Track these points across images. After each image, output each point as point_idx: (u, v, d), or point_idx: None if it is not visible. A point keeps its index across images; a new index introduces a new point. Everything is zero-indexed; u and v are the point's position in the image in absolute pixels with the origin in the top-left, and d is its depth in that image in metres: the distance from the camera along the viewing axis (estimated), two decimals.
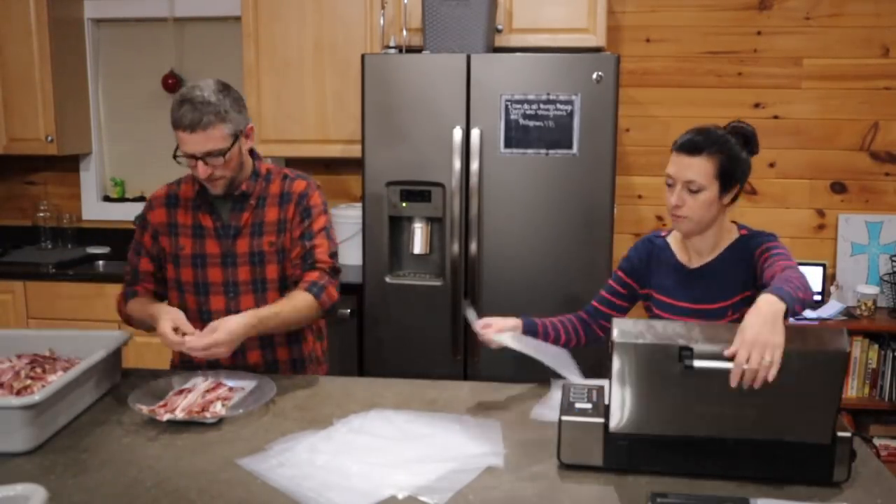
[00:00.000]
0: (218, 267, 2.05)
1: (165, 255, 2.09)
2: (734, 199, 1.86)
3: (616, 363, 1.46)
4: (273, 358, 2.11)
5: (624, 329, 1.48)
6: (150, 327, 2.01)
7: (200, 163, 1.92)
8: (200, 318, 2.05)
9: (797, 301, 1.51)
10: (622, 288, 2.03)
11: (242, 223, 2.06)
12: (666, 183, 1.86)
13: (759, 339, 1.41)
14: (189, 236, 2.06)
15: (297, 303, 1.98)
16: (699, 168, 1.79)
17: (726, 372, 1.42)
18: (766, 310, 1.46)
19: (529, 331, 1.99)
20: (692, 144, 1.80)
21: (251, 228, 2.06)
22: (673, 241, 1.99)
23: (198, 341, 1.80)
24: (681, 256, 1.95)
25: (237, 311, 1.99)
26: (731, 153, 1.81)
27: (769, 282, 1.65)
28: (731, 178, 1.82)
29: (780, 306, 1.47)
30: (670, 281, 1.95)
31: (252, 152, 2.08)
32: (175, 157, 1.96)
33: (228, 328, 1.82)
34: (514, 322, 1.98)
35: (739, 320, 1.84)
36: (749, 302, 1.82)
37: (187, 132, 1.88)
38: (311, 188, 2.10)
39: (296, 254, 2.07)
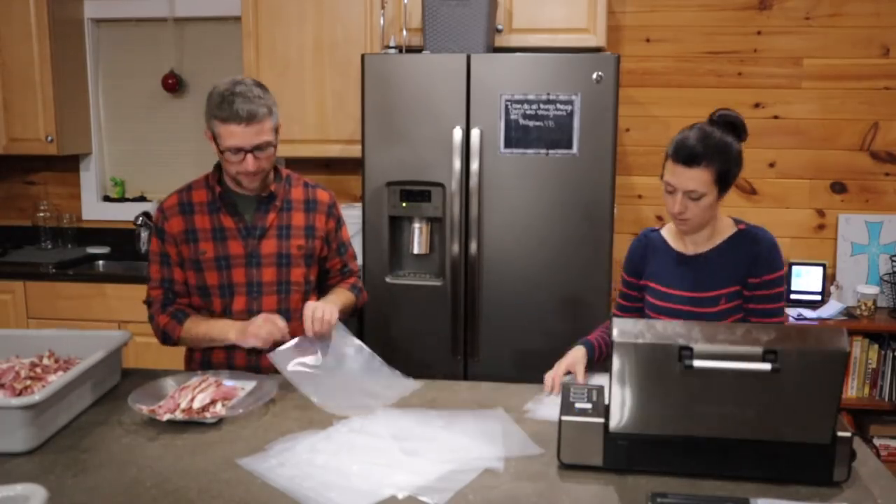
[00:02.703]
0: (242, 267, 2.06)
1: (187, 263, 2.08)
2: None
3: (616, 363, 1.46)
4: None
5: (624, 329, 1.47)
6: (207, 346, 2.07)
7: (250, 156, 1.93)
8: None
9: None
10: (632, 290, 2.09)
11: (268, 224, 2.07)
12: (665, 189, 1.87)
13: None
14: (210, 240, 2.05)
15: (346, 299, 2.15)
16: (699, 178, 1.81)
17: (726, 372, 1.42)
18: None
19: (590, 354, 2.03)
20: (690, 156, 1.80)
21: (277, 230, 2.08)
22: (667, 233, 2.04)
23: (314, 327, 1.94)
24: (676, 245, 2.00)
25: (259, 312, 2.04)
26: (727, 156, 1.83)
27: None
28: (729, 178, 1.85)
29: None
30: (665, 269, 1.99)
31: None
32: (221, 152, 1.96)
33: (316, 302, 2.00)
34: (580, 353, 2.01)
35: (732, 310, 1.89)
36: (740, 293, 1.87)
37: (241, 125, 1.89)
38: (334, 199, 2.22)
39: (335, 264, 2.21)
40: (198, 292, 2.08)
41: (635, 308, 2.09)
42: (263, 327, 1.94)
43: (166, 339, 2.08)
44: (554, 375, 1.94)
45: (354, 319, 3.06)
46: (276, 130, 2.00)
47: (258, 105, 1.91)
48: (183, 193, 2.10)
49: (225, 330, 2.00)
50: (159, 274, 2.09)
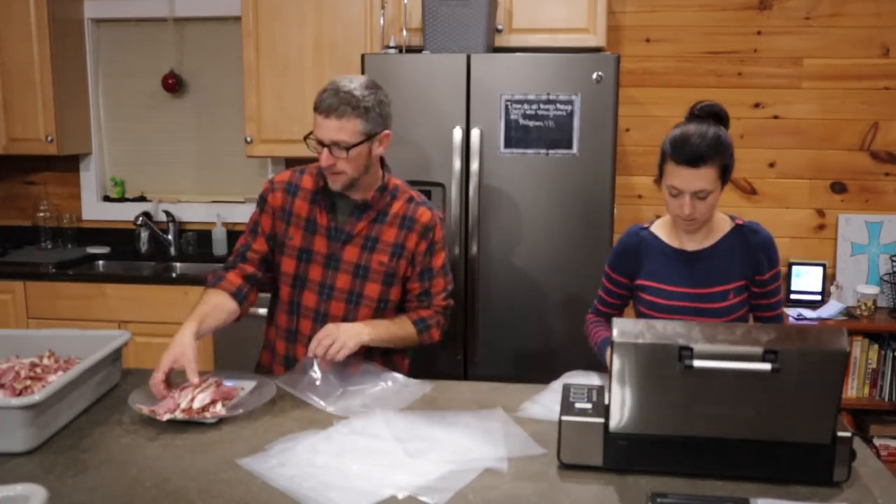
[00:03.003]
0: (320, 266, 2.03)
1: (274, 238, 2.07)
2: None
3: (616, 363, 1.46)
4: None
5: (624, 329, 1.47)
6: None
7: (326, 150, 1.89)
8: (290, 311, 2.07)
9: None
10: (620, 289, 2.05)
11: (357, 231, 2.02)
12: (669, 193, 1.85)
13: None
14: (301, 228, 2.03)
15: (402, 332, 2.04)
16: (706, 177, 1.79)
17: (726, 372, 1.42)
18: None
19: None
20: (696, 156, 1.77)
21: (364, 240, 2.02)
22: (659, 230, 2.00)
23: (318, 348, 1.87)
24: (673, 243, 1.97)
25: (326, 313, 2.03)
26: (727, 149, 1.82)
27: None
28: (730, 170, 1.85)
29: None
30: (664, 267, 1.96)
31: (383, 164, 2.05)
32: (306, 139, 1.95)
33: (343, 326, 1.92)
34: None
35: (740, 304, 1.89)
36: (747, 288, 1.88)
37: (322, 116, 1.87)
38: (436, 220, 2.07)
39: (414, 289, 2.08)
40: (276, 272, 2.08)
41: (616, 307, 2.06)
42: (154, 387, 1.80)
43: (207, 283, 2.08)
44: None
45: None
46: (370, 136, 1.90)
47: (344, 101, 1.86)
48: (295, 174, 2.08)
49: (184, 326, 1.93)
50: (245, 240, 2.09)
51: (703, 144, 1.78)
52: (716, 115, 1.87)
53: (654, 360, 1.45)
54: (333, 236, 2.02)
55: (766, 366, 1.41)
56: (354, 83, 1.89)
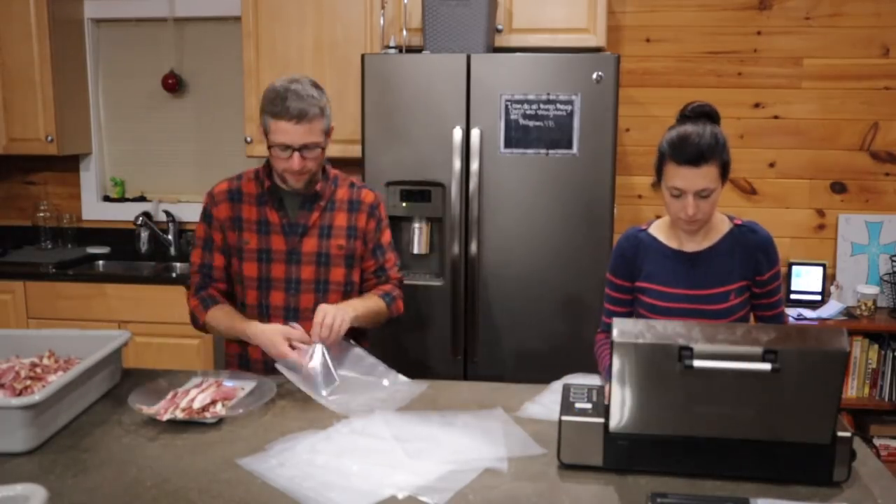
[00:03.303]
0: (282, 263, 2.07)
1: (230, 250, 2.10)
2: None
3: (616, 363, 1.46)
4: None
5: (624, 329, 1.47)
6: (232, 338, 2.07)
7: (297, 154, 1.94)
8: (259, 314, 2.09)
9: None
10: (624, 294, 2.02)
11: (311, 223, 2.08)
12: (671, 194, 1.83)
13: None
14: (254, 231, 2.07)
15: (375, 307, 2.10)
16: (709, 175, 1.78)
17: (726, 372, 1.43)
18: None
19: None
20: (698, 155, 1.77)
21: (319, 229, 2.09)
22: (657, 231, 1.99)
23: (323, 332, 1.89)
24: (671, 244, 1.96)
25: (297, 308, 2.07)
26: (725, 146, 1.82)
27: None
28: (728, 167, 1.84)
29: None
30: (664, 268, 1.95)
31: None
32: (269, 147, 1.97)
33: (332, 306, 1.94)
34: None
35: (741, 304, 1.89)
36: (748, 288, 1.87)
37: (292, 122, 1.91)
38: (379, 199, 2.19)
39: (369, 266, 2.16)
40: (238, 281, 2.11)
41: (625, 314, 2.02)
42: (275, 349, 1.90)
43: (194, 321, 2.12)
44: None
45: None
46: (328, 133, 2.01)
47: (310, 104, 1.92)
48: (233, 181, 2.13)
49: (247, 331, 1.97)
50: (200, 259, 2.12)
51: (703, 143, 1.77)
52: (707, 115, 1.86)
53: (653, 361, 1.45)
54: (289, 231, 2.07)
55: (766, 366, 1.42)
56: (305, 84, 1.95)
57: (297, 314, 2.07)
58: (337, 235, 2.10)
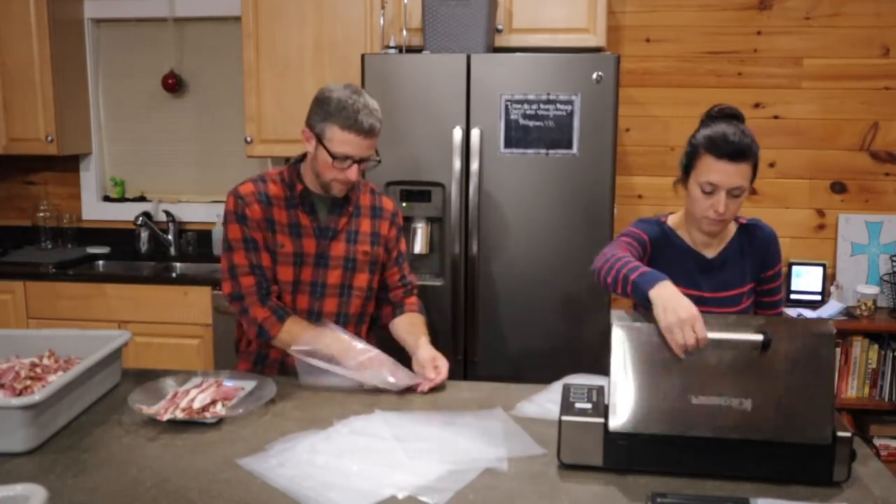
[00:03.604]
0: (311, 267, 2.07)
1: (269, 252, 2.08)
2: None
3: (616, 349, 1.50)
4: None
5: (622, 315, 1.54)
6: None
7: (355, 166, 1.97)
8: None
9: None
10: (637, 248, 1.88)
11: (340, 227, 2.09)
12: (702, 190, 1.79)
13: None
14: (287, 234, 2.05)
15: (425, 326, 2.18)
16: (745, 173, 1.77)
17: (723, 346, 1.48)
18: None
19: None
20: (738, 151, 1.74)
21: (347, 234, 2.10)
22: (678, 228, 1.96)
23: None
24: (693, 246, 1.94)
25: (320, 311, 2.08)
26: (758, 148, 1.80)
27: None
28: (757, 169, 1.82)
29: None
30: (684, 269, 1.90)
31: None
32: (333, 157, 1.94)
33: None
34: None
35: (751, 307, 1.90)
36: (754, 289, 1.88)
37: (361, 136, 1.93)
38: (398, 208, 2.24)
39: (393, 275, 2.20)
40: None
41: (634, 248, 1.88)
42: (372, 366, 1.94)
43: (261, 333, 2.01)
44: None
45: None
46: None
47: (377, 119, 1.96)
48: (258, 183, 2.07)
49: (335, 348, 1.95)
50: (247, 260, 2.01)
51: (743, 141, 1.76)
52: (735, 117, 1.86)
53: (652, 343, 1.50)
54: (320, 235, 2.07)
55: (759, 336, 1.47)
56: (367, 97, 1.97)
57: (320, 318, 2.06)
58: (363, 241, 2.12)
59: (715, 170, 1.76)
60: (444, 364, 1.98)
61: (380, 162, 2.06)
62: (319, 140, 1.95)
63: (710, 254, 1.93)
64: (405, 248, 2.26)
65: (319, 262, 2.07)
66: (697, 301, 1.88)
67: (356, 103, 1.93)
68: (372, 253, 2.13)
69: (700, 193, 1.80)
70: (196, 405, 1.71)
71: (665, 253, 1.92)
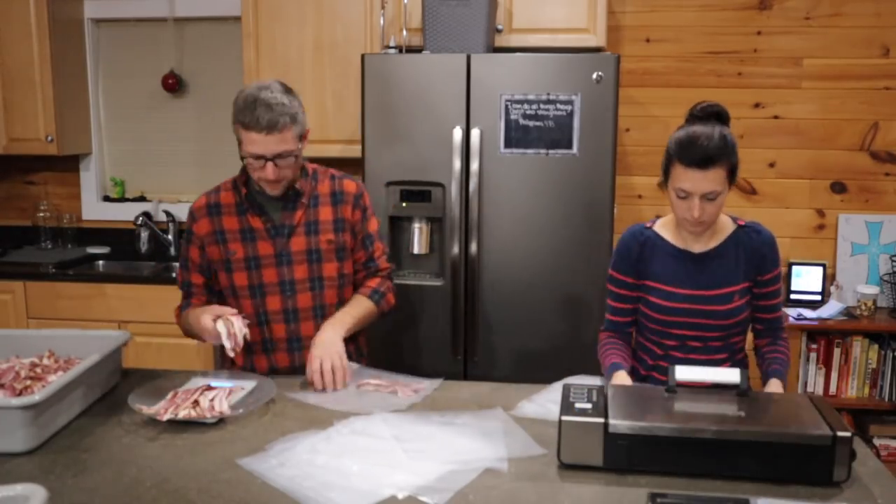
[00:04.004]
0: (273, 267, 2.05)
1: (215, 265, 2.08)
2: None
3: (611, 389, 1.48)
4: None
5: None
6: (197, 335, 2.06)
7: (270, 164, 1.92)
8: (258, 322, 2.07)
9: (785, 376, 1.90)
10: (628, 290, 2.00)
11: (296, 221, 2.06)
12: (677, 196, 1.82)
13: None
14: (239, 241, 2.05)
15: (363, 310, 2.09)
16: (715, 178, 1.77)
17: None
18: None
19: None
20: (705, 158, 1.75)
21: (306, 227, 2.07)
22: (663, 230, 1.98)
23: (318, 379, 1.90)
24: (677, 243, 1.95)
25: (295, 311, 2.06)
26: (733, 149, 1.80)
27: (765, 343, 1.99)
28: (736, 170, 1.82)
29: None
30: (671, 268, 1.93)
31: None
32: (242, 158, 1.95)
33: (321, 342, 1.92)
34: (624, 376, 1.90)
35: (744, 306, 1.89)
36: (750, 289, 1.88)
37: (262, 133, 1.88)
38: (362, 188, 2.16)
39: (359, 258, 2.15)
40: (231, 294, 2.09)
41: (630, 311, 2.00)
42: (211, 335, 1.92)
43: (179, 325, 2.14)
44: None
45: None
46: (302, 137, 1.98)
47: (279, 114, 1.88)
48: (211, 195, 2.11)
49: (198, 321, 1.97)
50: (181, 277, 2.15)
51: (712, 146, 1.75)
52: (717, 115, 1.85)
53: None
54: (274, 234, 2.05)
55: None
56: (276, 92, 1.91)
57: (297, 315, 2.07)
58: (324, 230, 2.08)
59: (685, 177, 1.78)
60: (333, 362, 1.90)
61: (297, 155, 1.97)
62: (238, 143, 1.96)
63: (698, 248, 1.93)
64: (375, 228, 2.18)
65: (282, 261, 2.05)
66: (686, 299, 1.90)
67: (256, 100, 1.88)
68: (337, 240, 2.09)
69: (676, 198, 1.83)
70: (196, 405, 1.71)
71: (653, 257, 1.96)
